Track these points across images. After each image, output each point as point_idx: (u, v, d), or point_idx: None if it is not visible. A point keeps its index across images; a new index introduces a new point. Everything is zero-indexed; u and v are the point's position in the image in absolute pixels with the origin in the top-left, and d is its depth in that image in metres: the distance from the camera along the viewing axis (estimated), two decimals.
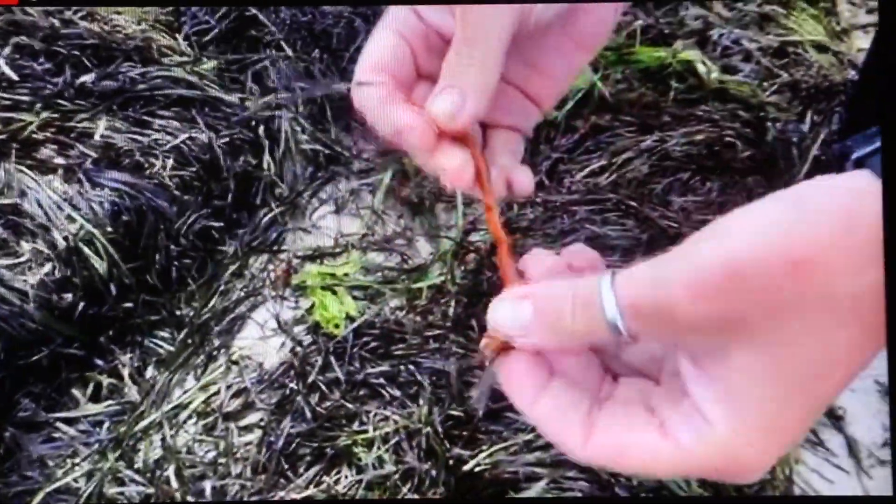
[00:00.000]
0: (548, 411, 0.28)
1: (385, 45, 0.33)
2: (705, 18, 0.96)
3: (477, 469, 0.59)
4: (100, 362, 0.65)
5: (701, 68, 0.89)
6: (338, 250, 0.80)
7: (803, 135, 0.85)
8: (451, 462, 0.60)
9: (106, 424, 0.63)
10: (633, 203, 0.74)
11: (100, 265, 0.64)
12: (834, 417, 0.67)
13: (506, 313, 0.28)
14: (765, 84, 0.90)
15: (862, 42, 1.00)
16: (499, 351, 0.29)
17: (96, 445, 0.62)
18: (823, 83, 0.91)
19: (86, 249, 0.64)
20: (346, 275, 0.78)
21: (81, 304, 0.63)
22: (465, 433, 0.62)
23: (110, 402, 0.64)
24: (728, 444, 0.26)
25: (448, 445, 0.61)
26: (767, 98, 0.88)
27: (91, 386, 0.65)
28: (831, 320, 0.25)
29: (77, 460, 0.61)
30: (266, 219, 0.78)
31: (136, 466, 0.62)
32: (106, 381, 0.65)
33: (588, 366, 0.30)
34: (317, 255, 0.79)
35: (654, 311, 0.25)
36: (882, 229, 0.24)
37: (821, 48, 0.98)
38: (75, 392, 0.64)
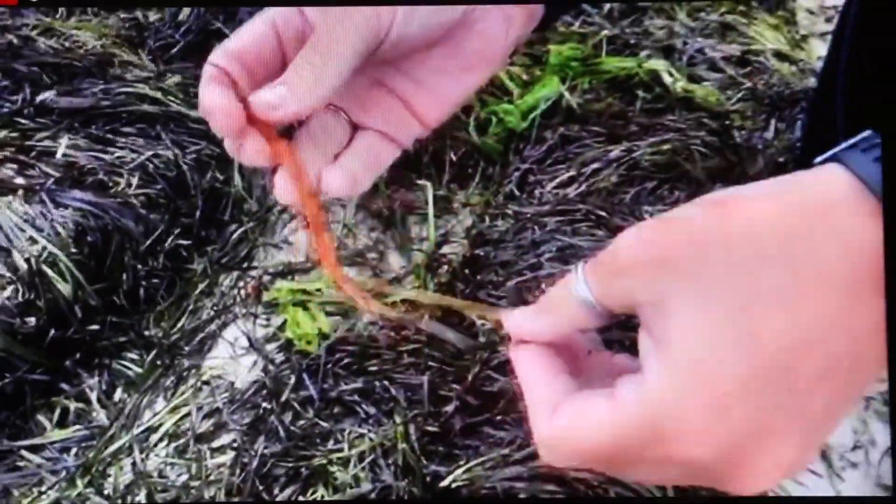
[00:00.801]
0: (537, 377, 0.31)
1: (252, 34, 0.34)
2: (670, 28, 0.98)
3: (454, 485, 0.59)
4: (66, 387, 0.64)
5: (667, 78, 0.90)
6: (309, 266, 0.79)
7: (768, 142, 0.87)
8: (428, 479, 0.60)
9: (73, 450, 0.61)
10: (603, 213, 0.74)
11: (64, 287, 0.63)
12: None
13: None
14: (729, 92, 0.91)
15: (821, 50, 1.02)
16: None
17: (64, 472, 0.60)
18: (785, 91, 0.92)
19: (49, 271, 0.62)
20: (318, 290, 0.77)
21: (46, 328, 0.62)
22: (441, 449, 0.62)
23: (78, 427, 0.63)
24: (659, 393, 0.26)
25: (425, 462, 0.61)
26: (732, 106, 0.89)
27: (57, 411, 0.63)
28: (755, 256, 0.25)
29: (43, 488, 0.59)
30: (235, 235, 0.77)
31: (105, 493, 0.60)
32: (73, 405, 0.63)
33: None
34: (288, 272, 0.78)
35: (602, 265, 0.29)
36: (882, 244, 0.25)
37: (781, 56, 0.99)
38: (41, 418, 0.62)
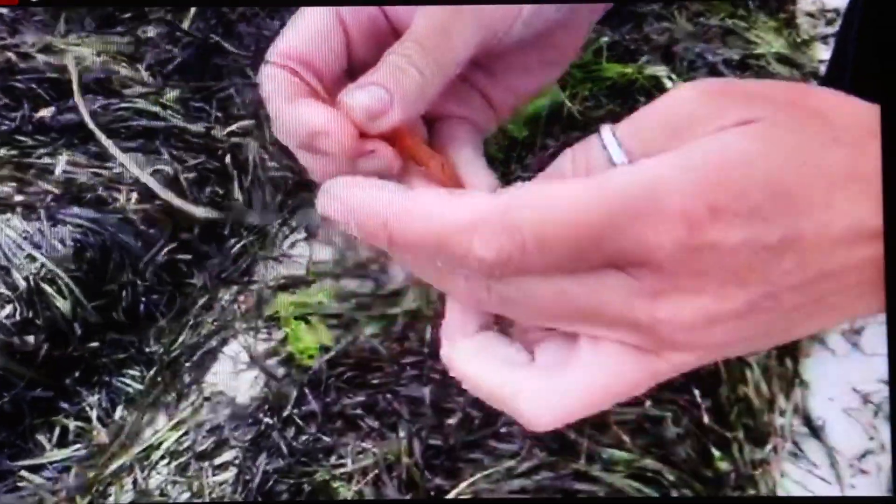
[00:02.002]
0: None
1: (314, 26, 0.28)
2: (670, 33, 0.97)
3: (459, 498, 0.58)
4: (66, 405, 0.63)
5: (668, 83, 0.90)
6: (310, 278, 0.79)
7: None
8: (431, 493, 0.59)
9: (73, 470, 0.61)
10: None
11: (63, 304, 0.63)
12: (814, 428, 0.67)
13: None
14: None
15: (822, 53, 1.02)
16: None
17: (64, 493, 0.60)
18: None
19: (48, 289, 0.62)
20: (319, 303, 0.76)
21: (45, 346, 0.61)
22: (445, 463, 0.61)
23: (78, 445, 0.62)
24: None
25: (428, 476, 0.60)
26: None
27: (57, 430, 0.63)
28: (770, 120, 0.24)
29: None
30: (235, 249, 0.77)
31: None
32: (73, 424, 0.63)
33: None
34: (289, 284, 0.78)
35: (647, 115, 0.24)
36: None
37: (783, 59, 0.99)
38: (40, 438, 0.62)
